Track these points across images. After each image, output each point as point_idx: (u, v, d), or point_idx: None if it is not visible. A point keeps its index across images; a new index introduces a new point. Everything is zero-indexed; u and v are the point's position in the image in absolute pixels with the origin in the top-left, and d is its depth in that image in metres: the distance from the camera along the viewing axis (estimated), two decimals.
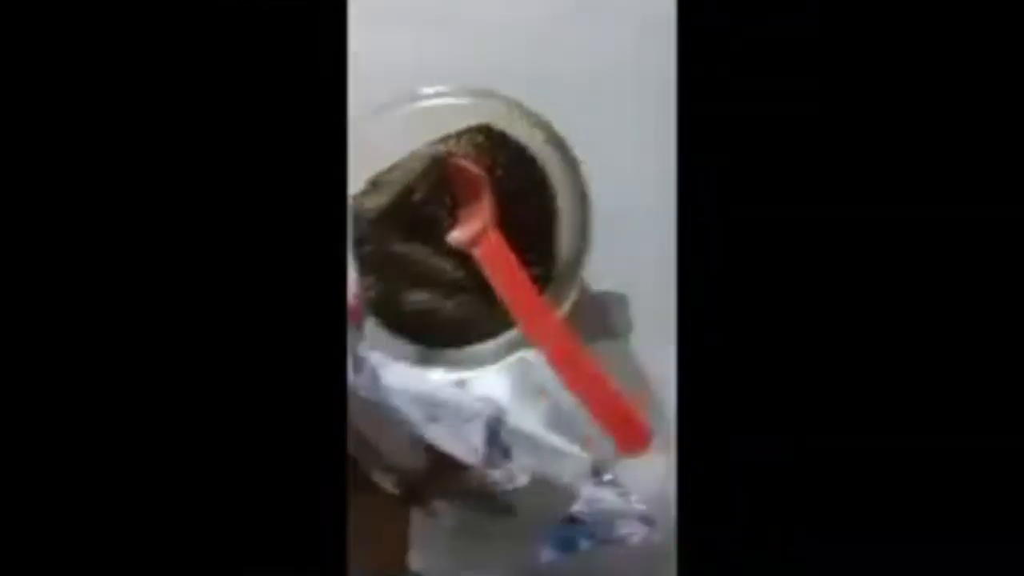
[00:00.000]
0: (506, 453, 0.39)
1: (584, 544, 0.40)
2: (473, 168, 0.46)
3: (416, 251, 0.47)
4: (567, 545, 0.40)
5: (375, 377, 0.38)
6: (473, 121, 0.47)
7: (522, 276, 0.45)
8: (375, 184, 0.47)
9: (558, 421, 0.42)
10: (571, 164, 0.45)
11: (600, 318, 0.48)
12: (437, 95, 0.46)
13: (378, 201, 0.47)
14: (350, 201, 0.47)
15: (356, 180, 0.47)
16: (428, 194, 0.47)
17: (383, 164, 0.48)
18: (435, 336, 0.46)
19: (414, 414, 0.38)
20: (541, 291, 0.45)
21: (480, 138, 0.47)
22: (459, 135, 0.47)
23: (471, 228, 0.46)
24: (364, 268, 0.47)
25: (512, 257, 0.45)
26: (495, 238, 0.45)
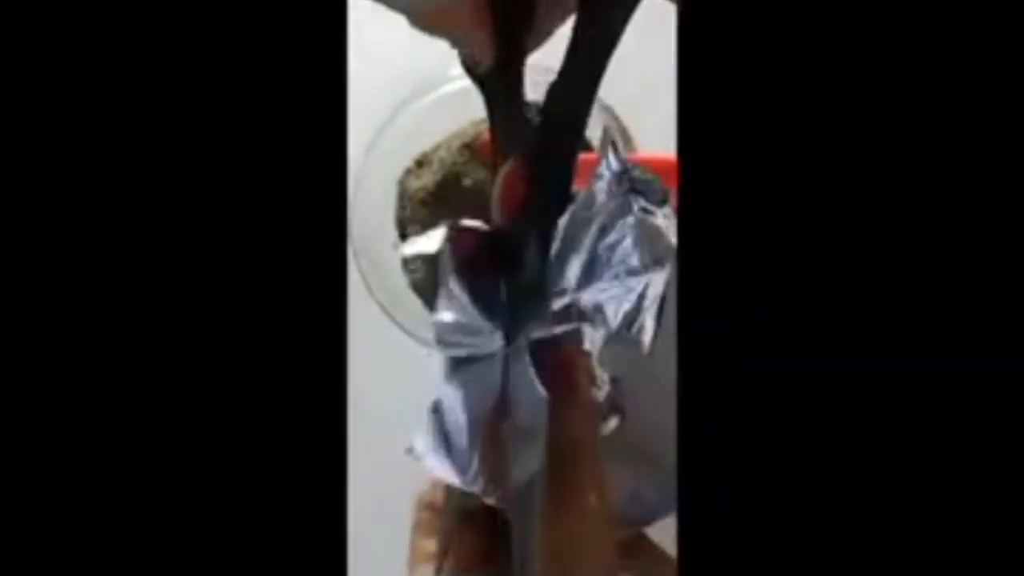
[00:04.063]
0: None
1: None
2: None
3: None
4: None
5: None
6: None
7: None
8: (420, 164, 0.46)
9: None
10: (626, 143, 0.44)
11: None
12: None
13: (423, 181, 0.45)
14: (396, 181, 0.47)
15: (403, 160, 0.47)
16: (474, 170, 0.45)
17: (429, 144, 0.47)
18: None
19: None
20: None
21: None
22: None
23: None
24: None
25: None
26: None
